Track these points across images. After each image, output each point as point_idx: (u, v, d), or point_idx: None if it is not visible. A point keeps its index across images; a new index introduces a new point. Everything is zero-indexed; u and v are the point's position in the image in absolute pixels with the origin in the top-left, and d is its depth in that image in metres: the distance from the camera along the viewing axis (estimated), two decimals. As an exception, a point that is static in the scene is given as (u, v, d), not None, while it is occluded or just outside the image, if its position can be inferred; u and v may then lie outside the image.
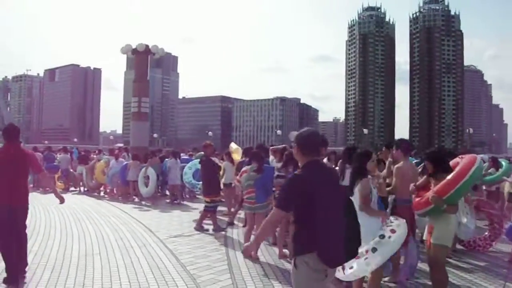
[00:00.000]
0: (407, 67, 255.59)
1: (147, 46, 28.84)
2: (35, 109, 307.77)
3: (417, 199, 7.06)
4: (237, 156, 15.56)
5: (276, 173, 10.03)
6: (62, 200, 8.09)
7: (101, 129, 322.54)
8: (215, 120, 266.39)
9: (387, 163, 8.94)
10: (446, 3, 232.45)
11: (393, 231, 6.15)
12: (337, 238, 4.23)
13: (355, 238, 4.74)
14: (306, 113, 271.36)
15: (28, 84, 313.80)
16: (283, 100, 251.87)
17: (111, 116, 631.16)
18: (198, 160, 17.47)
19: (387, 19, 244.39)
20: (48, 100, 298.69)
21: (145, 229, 12.42)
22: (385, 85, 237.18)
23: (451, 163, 7.13)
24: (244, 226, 12.33)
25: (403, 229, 6.26)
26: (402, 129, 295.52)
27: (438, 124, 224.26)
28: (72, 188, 23.97)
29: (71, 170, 24.54)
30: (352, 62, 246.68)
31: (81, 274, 7.91)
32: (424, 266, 8.10)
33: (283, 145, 12.39)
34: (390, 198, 8.20)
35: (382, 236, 6.04)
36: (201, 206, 14.64)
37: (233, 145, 16.78)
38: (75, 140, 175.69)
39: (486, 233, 10.56)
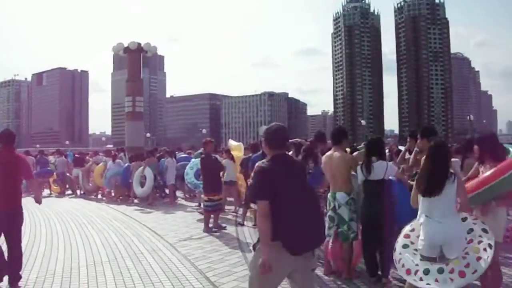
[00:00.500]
0: (393, 57, 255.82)
1: (139, 44, 28.24)
2: (24, 113, 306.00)
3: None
4: (239, 153, 15.00)
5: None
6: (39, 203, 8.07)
7: (90, 131, 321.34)
8: (204, 118, 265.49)
9: (413, 153, 8.43)
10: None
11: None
12: (301, 227, 4.35)
13: (319, 228, 4.81)
14: (295, 107, 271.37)
15: (16, 89, 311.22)
16: (271, 95, 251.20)
17: (100, 117, 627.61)
18: (199, 159, 17.04)
19: (371, 10, 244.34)
20: (36, 104, 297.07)
21: (151, 232, 11.82)
22: (372, 76, 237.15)
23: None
24: (254, 225, 11.73)
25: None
26: (391, 119, 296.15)
27: (428, 113, 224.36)
28: (69, 192, 23.44)
29: (67, 173, 23.84)
30: (338, 54, 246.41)
31: (93, 285, 7.32)
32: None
33: (296, 139, 11.80)
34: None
35: (485, 230, 5.38)
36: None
37: (232, 142, 16.25)
38: (67, 142, 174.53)
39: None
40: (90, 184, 21.75)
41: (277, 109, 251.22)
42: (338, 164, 7.64)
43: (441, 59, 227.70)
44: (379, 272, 7.30)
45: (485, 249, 5.17)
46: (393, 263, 5.97)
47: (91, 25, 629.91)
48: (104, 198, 20.44)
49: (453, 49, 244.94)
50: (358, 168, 7.52)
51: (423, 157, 7.12)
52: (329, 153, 7.96)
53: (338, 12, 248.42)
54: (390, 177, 7.46)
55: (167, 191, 19.88)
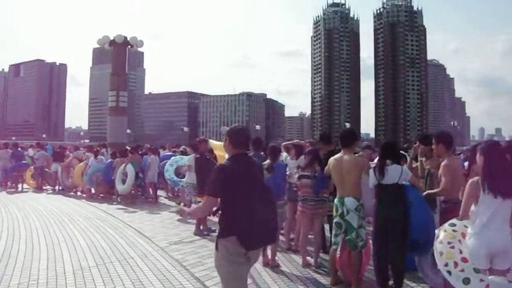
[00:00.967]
0: (371, 62, 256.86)
1: (125, 38, 27.41)
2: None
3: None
4: (221, 152, 14.39)
5: (300, 172, 8.81)
6: None
7: (66, 125, 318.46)
8: (182, 116, 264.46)
9: (419, 161, 8.30)
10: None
11: None
12: (256, 223, 4.49)
13: (273, 227, 4.82)
14: (272, 108, 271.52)
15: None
16: (249, 95, 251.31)
17: (76, 112, 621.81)
18: (180, 156, 16.39)
19: (351, 15, 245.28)
20: (12, 96, 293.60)
21: (139, 234, 11.17)
22: (350, 80, 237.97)
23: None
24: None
25: None
26: (368, 123, 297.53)
27: (403, 118, 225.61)
28: (46, 187, 22.66)
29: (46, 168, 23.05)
30: (317, 57, 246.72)
31: (82, 294, 6.62)
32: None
33: (296, 141, 11.20)
34: (439, 200, 7.13)
35: None
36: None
37: (213, 142, 15.48)
38: (44, 136, 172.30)
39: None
40: (70, 180, 20.96)
41: (255, 109, 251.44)
42: (349, 167, 7.22)
43: (418, 65, 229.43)
44: (391, 283, 6.92)
45: None
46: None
47: (71, 18, 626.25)
48: (84, 195, 19.63)
49: (429, 56, 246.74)
50: (371, 171, 7.09)
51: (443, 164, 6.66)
52: (338, 156, 7.52)
53: (318, 16, 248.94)
54: (404, 182, 6.98)
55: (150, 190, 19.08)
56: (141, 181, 18.21)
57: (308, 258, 8.59)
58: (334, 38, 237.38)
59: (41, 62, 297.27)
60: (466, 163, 13.58)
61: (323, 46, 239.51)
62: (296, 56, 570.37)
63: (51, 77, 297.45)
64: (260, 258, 8.37)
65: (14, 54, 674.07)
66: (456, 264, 4.88)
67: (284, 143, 11.74)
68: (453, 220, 5.34)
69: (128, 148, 20.97)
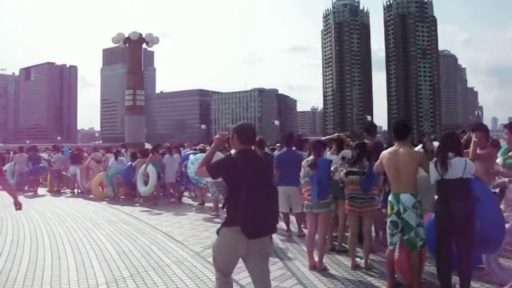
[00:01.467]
0: (382, 54, 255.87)
1: (140, 35, 26.76)
2: (11, 108, 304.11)
3: None
4: None
5: (347, 168, 8.14)
6: (19, 207, 7.54)
7: (79, 127, 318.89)
8: (194, 114, 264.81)
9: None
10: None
11: None
12: (257, 215, 4.70)
13: (274, 217, 5.11)
14: (284, 103, 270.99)
15: (3, 83, 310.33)
16: (261, 91, 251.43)
17: (88, 113, 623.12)
18: (200, 154, 15.69)
19: (361, 8, 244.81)
20: (24, 99, 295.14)
21: (169, 238, 10.54)
22: (361, 73, 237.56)
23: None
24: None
25: None
26: (380, 116, 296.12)
27: (416, 109, 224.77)
28: (65, 190, 22.19)
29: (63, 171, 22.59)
30: (328, 51, 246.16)
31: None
32: None
33: (336, 134, 10.49)
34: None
35: None
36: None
37: None
38: (59, 138, 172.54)
39: None
40: (89, 183, 20.40)
41: (267, 105, 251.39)
42: (406, 162, 6.62)
43: (429, 56, 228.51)
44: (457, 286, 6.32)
45: None
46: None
47: (80, 20, 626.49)
48: (106, 198, 18.92)
49: (440, 47, 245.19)
50: (431, 165, 6.46)
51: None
52: (392, 149, 6.91)
53: (328, 9, 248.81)
54: (469, 176, 6.35)
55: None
56: (162, 182, 17.56)
57: (357, 259, 8.00)
58: (344, 31, 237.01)
59: (51, 64, 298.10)
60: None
61: (334, 39, 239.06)
62: (306, 51, 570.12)
63: (61, 79, 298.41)
64: (306, 262, 8.13)
65: (25, 58, 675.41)
66: None
67: (324, 138, 11.03)
68: None
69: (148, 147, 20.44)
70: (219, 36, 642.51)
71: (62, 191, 22.06)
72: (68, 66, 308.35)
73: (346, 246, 8.95)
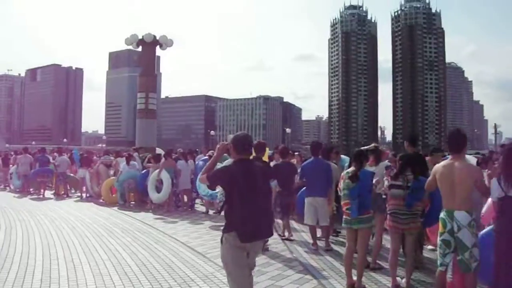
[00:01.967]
0: (387, 65, 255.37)
1: (154, 36, 26.18)
2: (16, 109, 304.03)
3: None
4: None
5: (390, 181, 7.52)
6: None
7: (83, 129, 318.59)
8: (199, 119, 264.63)
9: None
10: (427, 1, 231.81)
11: None
12: (252, 220, 5.03)
13: (268, 223, 5.38)
14: (289, 111, 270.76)
15: (9, 84, 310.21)
16: (266, 99, 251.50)
17: (92, 116, 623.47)
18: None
19: (369, 17, 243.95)
20: (29, 100, 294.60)
21: (190, 250, 9.91)
22: (368, 83, 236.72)
23: None
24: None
25: None
26: (386, 126, 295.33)
27: (422, 121, 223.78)
28: (74, 194, 21.69)
29: (71, 174, 22.16)
30: (335, 60, 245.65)
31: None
32: None
33: (373, 144, 9.87)
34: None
35: None
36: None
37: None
38: (65, 140, 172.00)
39: None
40: (98, 187, 19.79)
41: (272, 113, 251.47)
42: (462, 176, 6.07)
43: (436, 68, 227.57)
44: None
45: None
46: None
47: (88, 22, 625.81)
48: (116, 203, 18.29)
49: (447, 59, 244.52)
50: (494, 181, 5.96)
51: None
52: (446, 162, 6.37)
53: (335, 18, 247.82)
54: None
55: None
56: (176, 188, 16.94)
57: (397, 278, 7.43)
58: (352, 41, 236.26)
59: (57, 66, 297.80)
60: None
61: (340, 49, 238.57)
62: (312, 60, 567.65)
63: (67, 81, 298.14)
64: (342, 280, 7.71)
65: (31, 59, 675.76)
66: None
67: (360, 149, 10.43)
68: None
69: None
70: (226, 43, 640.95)
71: (70, 194, 21.69)
72: (74, 68, 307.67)
73: (380, 263, 8.48)
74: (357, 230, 7.50)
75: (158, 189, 16.60)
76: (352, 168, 7.63)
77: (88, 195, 20.49)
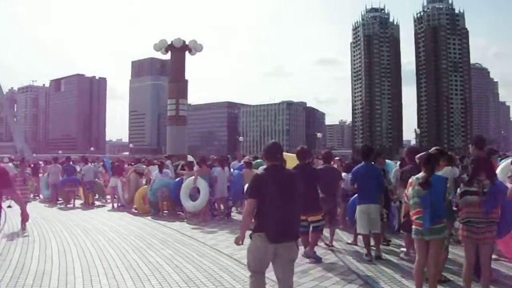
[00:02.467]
0: (410, 67, 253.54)
1: (184, 41, 25.68)
2: (41, 119, 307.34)
3: None
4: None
5: (464, 187, 6.84)
6: (26, 218, 7.24)
7: (107, 138, 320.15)
8: (222, 126, 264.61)
9: None
10: (450, 2, 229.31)
11: None
12: (279, 223, 5.50)
13: (295, 225, 5.97)
14: (313, 116, 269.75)
15: (34, 94, 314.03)
16: (289, 104, 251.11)
17: (115, 124, 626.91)
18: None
19: (391, 20, 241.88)
20: (54, 110, 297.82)
21: (236, 262, 9.29)
22: (391, 86, 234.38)
23: None
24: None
25: None
26: (410, 130, 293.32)
27: (447, 124, 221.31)
28: (98, 203, 21.62)
29: (100, 181, 22.15)
30: (357, 64, 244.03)
31: None
32: None
33: (435, 148, 9.14)
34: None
35: None
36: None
37: (286, 154, 13.46)
38: (92, 149, 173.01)
39: None
40: (127, 196, 19.33)
41: (295, 118, 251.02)
42: None
43: (461, 69, 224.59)
44: None
45: None
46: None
47: (110, 32, 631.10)
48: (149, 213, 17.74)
49: (471, 60, 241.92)
50: None
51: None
52: None
53: (357, 22, 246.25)
54: None
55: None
56: (213, 196, 16.34)
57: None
58: (374, 44, 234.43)
59: (81, 76, 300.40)
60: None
61: (363, 52, 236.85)
62: (334, 64, 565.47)
63: (91, 91, 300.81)
64: None
65: (55, 70, 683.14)
66: None
67: (418, 155, 9.79)
68: None
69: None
70: (247, 49, 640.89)
71: (96, 202, 21.65)
72: (97, 78, 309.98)
73: (445, 275, 7.81)
74: (429, 241, 6.86)
75: (192, 198, 16.11)
76: (422, 174, 6.95)
77: (119, 204, 20.00)
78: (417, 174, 7.04)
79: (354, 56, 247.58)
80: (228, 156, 23.37)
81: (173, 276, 8.27)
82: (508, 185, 7.41)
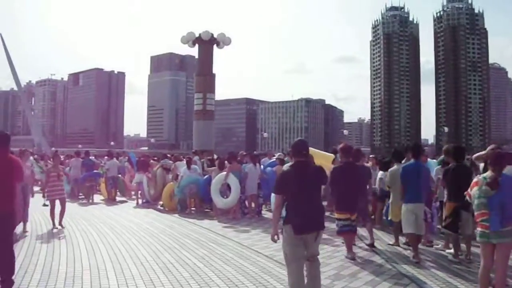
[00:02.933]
0: (430, 66, 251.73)
1: (212, 35, 25.14)
2: (59, 113, 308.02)
3: None
4: (324, 161, 11.88)
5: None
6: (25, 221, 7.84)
7: (125, 133, 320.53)
8: (240, 122, 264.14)
9: None
10: (469, 1, 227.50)
11: None
12: (305, 215, 5.99)
13: (319, 217, 6.29)
14: (331, 114, 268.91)
15: (52, 88, 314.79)
16: (308, 101, 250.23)
17: (133, 119, 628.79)
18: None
19: (410, 19, 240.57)
20: (72, 104, 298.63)
21: (278, 264, 8.68)
22: (410, 85, 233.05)
23: None
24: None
25: None
26: (428, 128, 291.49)
27: (465, 123, 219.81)
28: (122, 198, 21.34)
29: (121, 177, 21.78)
30: (376, 62, 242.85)
31: None
32: None
33: (493, 145, 8.62)
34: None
35: None
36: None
37: (314, 150, 12.92)
38: (112, 143, 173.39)
39: None
40: (152, 192, 18.89)
41: (314, 115, 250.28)
42: None
43: (480, 69, 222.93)
44: None
45: None
46: None
47: (129, 26, 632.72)
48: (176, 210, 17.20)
49: (490, 60, 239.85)
50: None
51: None
52: None
53: (377, 20, 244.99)
54: None
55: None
56: (241, 194, 15.80)
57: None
58: (393, 42, 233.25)
59: (99, 70, 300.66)
60: None
61: (382, 50, 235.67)
62: (353, 62, 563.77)
63: (109, 85, 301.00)
64: None
65: (73, 64, 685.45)
66: None
67: (475, 155, 9.30)
68: None
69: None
70: (266, 46, 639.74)
71: (117, 198, 21.17)
72: (116, 72, 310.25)
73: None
74: (495, 245, 6.37)
75: (222, 194, 15.66)
76: (489, 173, 6.39)
77: (144, 200, 19.56)
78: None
79: (374, 54, 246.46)
80: (254, 152, 22.88)
81: (215, 280, 7.74)
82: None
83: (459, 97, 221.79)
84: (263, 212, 16.36)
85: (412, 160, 9.87)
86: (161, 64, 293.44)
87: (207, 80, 25.60)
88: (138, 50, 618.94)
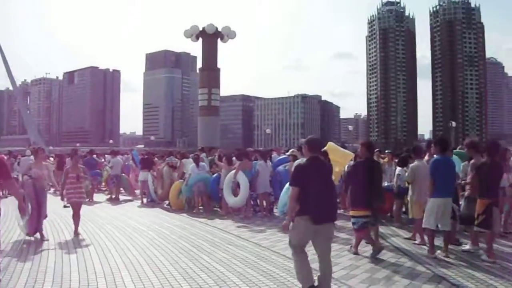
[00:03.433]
0: (426, 61, 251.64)
1: (216, 28, 24.49)
2: (54, 112, 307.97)
3: None
4: (338, 158, 11.35)
5: None
6: (23, 212, 7.77)
7: (121, 131, 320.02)
8: (236, 119, 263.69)
9: None
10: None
11: None
12: (320, 206, 6.33)
13: (333, 207, 6.85)
14: (328, 110, 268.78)
15: (47, 87, 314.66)
16: (304, 97, 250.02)
17: (129, 117, 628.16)
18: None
19: (406, 14, 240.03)
20: (67, 103, 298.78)
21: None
22: (406, 80, 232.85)
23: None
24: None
25: None
26: (425, 123, 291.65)
27: (462, 118, 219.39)
28: (125, 197, 20.87)
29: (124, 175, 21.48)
30: (373, 57, 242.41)
31: None
32: None
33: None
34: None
35: None
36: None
37: (332, 144, 12.35)
38: (111, 141, 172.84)
39: None
40: (160, 190, 18.34)
41: (310, 111, 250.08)
42: None
43: (476, 63, 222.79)
44: None
45: None
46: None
47: (124, 24, 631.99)
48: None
49: (486, 54, 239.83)
50: None
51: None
52: None
53: (373, 15, 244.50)
54: None
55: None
56: (252, 192, 15.28)
57: None
58: (389, 37, 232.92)
59: (94, 69, 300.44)
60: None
61: (378, 46, 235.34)
62: (349, 58, 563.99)
63: (105, 83, 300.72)
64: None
65: (68, 62, 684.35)
66: None
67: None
68: None
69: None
70: (262, 42, 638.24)
71: (120, 197, 20.79)
72: (111, 70, 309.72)
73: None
74: None
75: (234, 192, 15.13)
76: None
77: (149, 199, 19.08)
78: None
79: (370, 49, 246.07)
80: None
81: (241, 286, 7.23)
82: None
83: (455, 92, 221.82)
84: (274, 210, 15.79)
85: (439, 155, 9.33)
86: (156, 61, 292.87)
87: (211, 75, 24.97)
88: (133, 47, 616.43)
